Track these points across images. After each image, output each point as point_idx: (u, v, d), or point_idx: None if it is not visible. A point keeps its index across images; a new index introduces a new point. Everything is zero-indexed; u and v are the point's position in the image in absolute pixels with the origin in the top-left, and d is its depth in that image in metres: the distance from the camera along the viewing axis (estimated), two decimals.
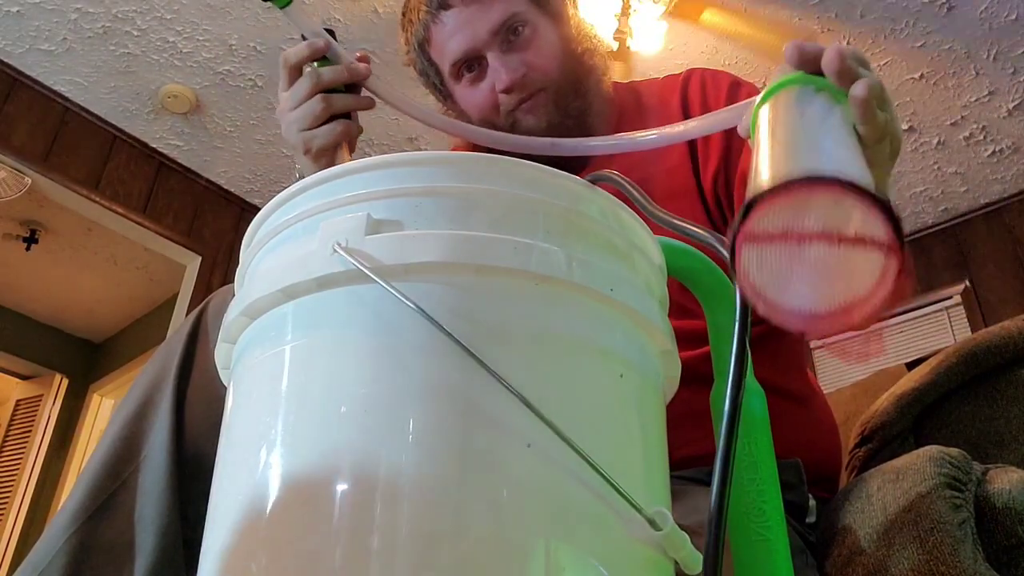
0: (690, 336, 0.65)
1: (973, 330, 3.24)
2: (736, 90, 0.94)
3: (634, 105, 0.99)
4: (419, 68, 0.99)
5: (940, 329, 3.42)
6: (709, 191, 0.87)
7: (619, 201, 0.46)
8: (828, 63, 0.50)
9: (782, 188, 0.34)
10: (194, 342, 0.71)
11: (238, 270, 0.49)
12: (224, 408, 0.44)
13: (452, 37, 0.90)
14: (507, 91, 0.89)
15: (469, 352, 0.36)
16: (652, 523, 0.37)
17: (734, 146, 0.88)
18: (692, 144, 0.91)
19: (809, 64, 0.51)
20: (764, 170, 0.38)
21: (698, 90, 0.95)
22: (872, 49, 2.77)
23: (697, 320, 0.56)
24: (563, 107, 0.90)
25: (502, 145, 0.74)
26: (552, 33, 0.94)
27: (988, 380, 0.93)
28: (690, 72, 1.00)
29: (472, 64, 0.92)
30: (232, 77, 2.95)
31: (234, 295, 0.45)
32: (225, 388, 0.44)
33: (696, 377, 0.57)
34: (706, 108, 0.93)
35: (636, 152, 0.68)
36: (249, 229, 0.48)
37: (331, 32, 0.81)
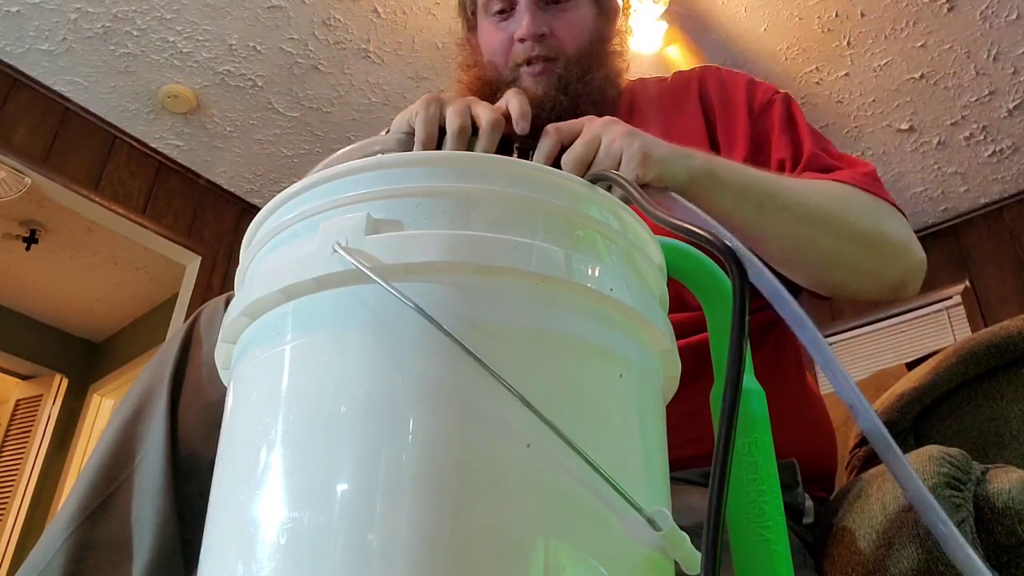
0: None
1: (973, 330, 3.24)
2: (753, 88, 0.94)
3: (646, 99, 1.00)
4: None
5: (940, 329, 3.43)
6: None
7: (619, 201, 0.46)
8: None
9: None
10: (187, 350, 0.73)
11: (238, 270, 0.49)
12: (219, 411, 0.44)
13: None
14: (522, 40, 0.92)
15: (469, 352, 0.36)
16: (652, 523, 0.37)
17: (760, 138, 0.89)
18: (712, 135, 0.92)
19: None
20: None
21: (716, 86, 0.96)
22: (872, 49, 2.77)
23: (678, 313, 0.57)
24: (565, 84, 0.92)
25: None
26: (590, 19, 0.97)
27: (988, 380, 0.93)
28: (704, 68, 1.00)
29: (506, 7, 0.95)
30: (232, 77, 2.95)
31: (227, 304, 0.45)
32: (217, 393, 0.44)
33: (689, 374, 0.57)
34: (725, 105, 0.94)
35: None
36: (249, 229, 0.48)
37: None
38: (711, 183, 0.69)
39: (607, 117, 0.68)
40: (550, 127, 0.67)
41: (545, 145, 0.66)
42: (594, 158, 0.64)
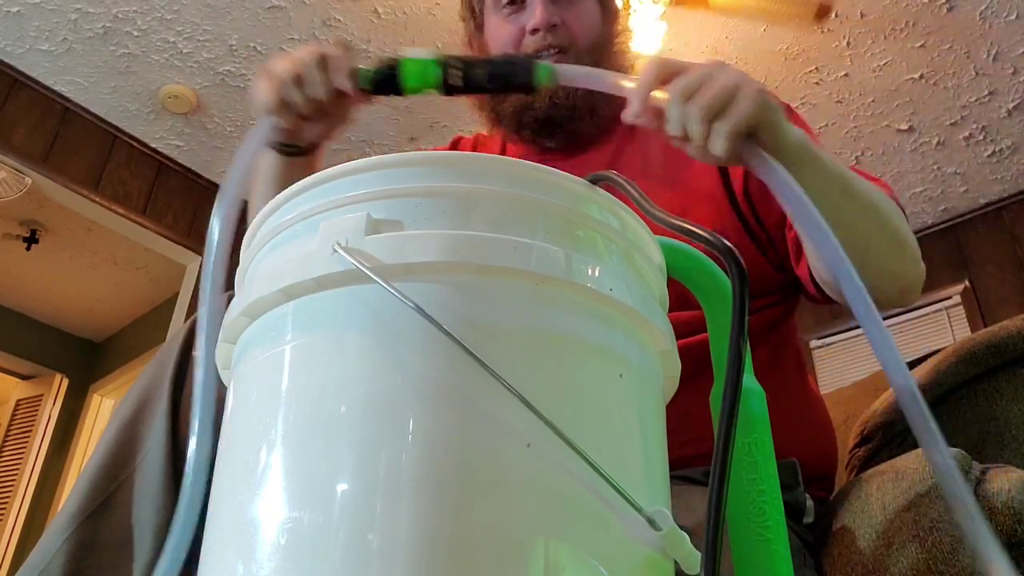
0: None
1: (973, 330, 3.24)
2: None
3: None
4: None
5: (940, 329, 3.42)
6: (740, 192, 0.86)
7: (619, 201, 0.46)
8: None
9: None
10: (188, 349, 0.73)
11: (238, 270, 0.49)
12: (223, 409, 0.44)
13: None
14: (534, 31, 0.93)
15: (469, 352, 0.36)
16: (652, 523, 0.37)
17: None
18: None
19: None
20: None
21: None
22: (872, 49, 2.77)
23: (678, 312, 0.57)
24: None
25: None
26: (597, 13, 0.98)
27: (988, 379, 0.93)
28: None
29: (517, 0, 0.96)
30: (232, 77, 2.95)
31: (227, 304, 0.45)
32: (219, 393, 0.44)
33: (689, 374, 0.57)
34: None
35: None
36: (249, 229, 0.48)
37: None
38: (809, 155, 0.65)
39: (715, 60, 0.63)
40: (652, 59, 0.63)
41: (649, 73, 0.60)
42: (697, 92, 0.59)
